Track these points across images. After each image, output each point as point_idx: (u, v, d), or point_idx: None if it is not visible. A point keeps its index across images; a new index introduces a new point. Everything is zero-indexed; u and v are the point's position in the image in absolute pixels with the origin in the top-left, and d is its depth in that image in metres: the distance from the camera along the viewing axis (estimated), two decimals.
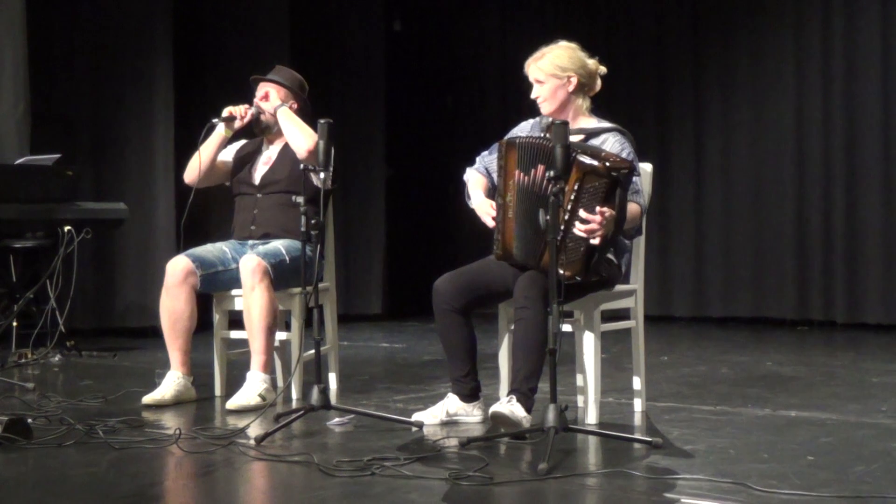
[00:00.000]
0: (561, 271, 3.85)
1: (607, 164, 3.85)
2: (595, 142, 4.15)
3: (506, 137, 4.22)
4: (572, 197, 3.88)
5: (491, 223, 4.15)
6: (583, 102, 4.28)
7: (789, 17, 8.27)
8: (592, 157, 3.86)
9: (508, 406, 3.88)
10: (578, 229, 3.87)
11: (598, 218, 3.82)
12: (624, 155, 4.09)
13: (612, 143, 4.16)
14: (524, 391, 3.93)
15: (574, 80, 4.22)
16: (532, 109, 4.49)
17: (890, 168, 7.84)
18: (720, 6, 8.59)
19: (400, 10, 9.59)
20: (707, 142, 8.63)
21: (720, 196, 8.54)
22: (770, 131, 8.33)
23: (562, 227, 3.87)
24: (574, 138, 4.14)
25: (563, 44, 4.28)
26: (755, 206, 8.40)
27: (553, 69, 4.22)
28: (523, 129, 4.35)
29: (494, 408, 3.90)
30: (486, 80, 9.70)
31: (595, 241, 3.87)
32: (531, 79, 4.28)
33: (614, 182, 3.86)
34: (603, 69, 4.29)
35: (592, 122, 4.28)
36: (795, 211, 8.21)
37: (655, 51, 8.84)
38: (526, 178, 4.02)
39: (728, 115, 8.53)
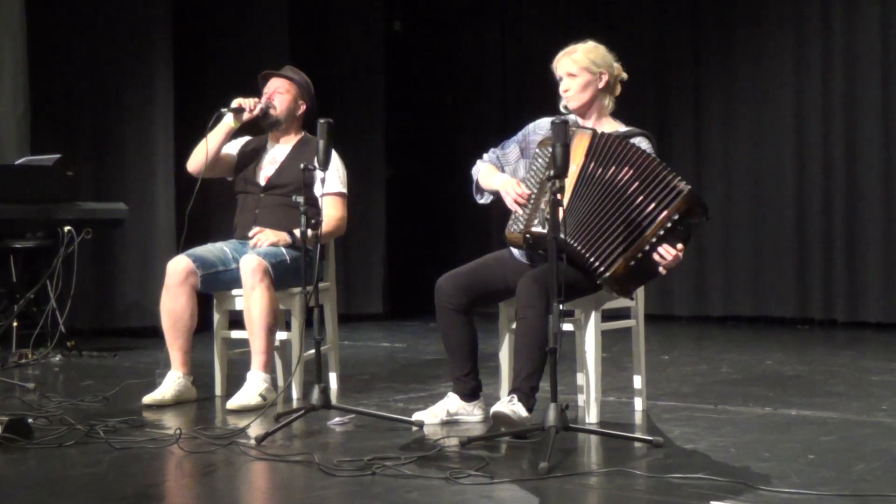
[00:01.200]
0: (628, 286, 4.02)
1: (705, 204, 3.95)
2: None
3: (533, 132, 4.23)
4: (668, 224, 3.90)
5: (515, 202, 4.08)
6: (608, 103, 4.28)
7: (789, 17, 8.26)
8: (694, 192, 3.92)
9: (510, 406, 3.87)
10: (660, 260, 3.91)
11: (681, 255, 3.92)
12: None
13: (645, 150, 4.15)
14: (525, 390, 3.92)
15: (605, 78, 4.23)
16: (533, 111, 4.47)
17: (890, 166, 7.83)
18: (720, 6, 8.58)
19: (400, 11, 9.59)
20: (707, 140, 8.62)
21: (720, 195, 8.53)
22: (770, 130, 8.32)
23: (646, 248, 3.92)
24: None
25: (593, 42, 4.29)
26: (755, 204, 8.39)
27: (588, 63, 4.21)
28: (542, 127, 4.30)
29: (496, 408, 3.90)
30: (485, 80, 9.69)
31: (663, 272, 3.98)
32: (561, 73, 4.25)
33: (697, 225, 3.97)
34: (625, 75, 4.30)
35: (620, 126, 4.28)
36: (796, 209, 8.20)
37: (655, 51, 8.83)
38: (599, 169, 3.99)
39: (728, 114, 8.52)
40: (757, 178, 8.39)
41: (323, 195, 4.86)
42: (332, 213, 4.97)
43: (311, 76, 5.28)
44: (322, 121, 4.26)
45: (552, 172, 3.68)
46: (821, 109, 8.09)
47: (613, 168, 3.99)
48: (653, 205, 3.94)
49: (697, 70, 8.68)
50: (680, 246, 3.93)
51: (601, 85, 4.23)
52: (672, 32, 8.78)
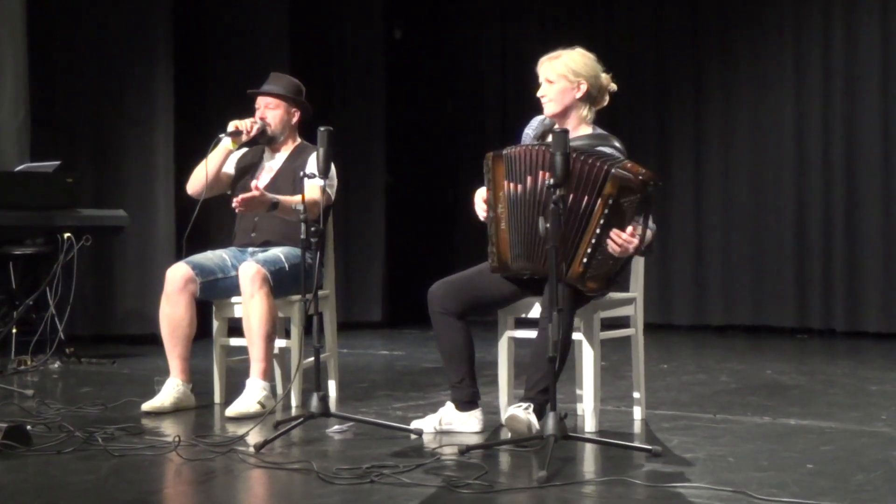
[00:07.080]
0: (591, 285, 3.96)
1: (640, 177, 3.88)
2: None
3: (525, 142, 4.23)
4: (605, 211, 3.88)
5: (482, 212, 4.17)
6: (587, 113, 4.25)
7: (789, 24, 8.27)
8: (624, 169, 3.87)
9: (527, 414, 3.86)
10: (613, 248, 3.89)
11: (635, 241, 3.88)
12: None
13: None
14: (540, 402, 3.91)
15: (584, 88, 4.20)
16: (533, 117, 4.47)
17: (889, 176, 7.84)
18: (720, 12, 8.60)
19: (400, 18, 9.59)
20: (707, 150, 8.62)
21: (720, 204, 8.54)
22: (770, 139, 8.33)
23: (593, 241, 3.89)
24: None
25: (581, 50, 4.27)
26: (755, 214, 8.39)
27: (566, 71, 4.20)
28: (532, 126, 4.35)
29: (512, 410, 3.88)
30: (486, 87, 9.70)
31: (616, 254, 3.93)
32: (542, 77, 4.25)
33: (647, 197, 3.90)
34: (614, 86, 4.29)
35: (589, 132, 4.27)
36: (795, 219, 8.21)
37: (655, 57, 8.84)
38: (519, 186, 4.02)
39: (728, 123, 8.53)
40: (756, 187, 8.39)
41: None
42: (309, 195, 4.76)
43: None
44: (322, 129, 4.27)
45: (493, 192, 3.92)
46: (821, 118, 8.10)
47: (531, 178, 3.98)
48: (586, 198, 3.92)
49: (697, 77, 8.68)
50: (630, 229, 3.89)
51: (579, 94, 4.21)
52: (672, 39, 8.78)
